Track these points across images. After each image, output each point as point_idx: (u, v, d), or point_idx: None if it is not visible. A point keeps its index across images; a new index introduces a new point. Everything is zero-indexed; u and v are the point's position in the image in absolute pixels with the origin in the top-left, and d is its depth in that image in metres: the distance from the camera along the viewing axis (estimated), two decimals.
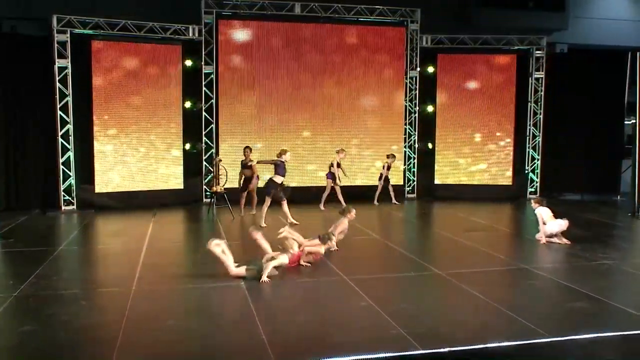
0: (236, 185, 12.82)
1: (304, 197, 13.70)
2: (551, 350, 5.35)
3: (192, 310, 6.45)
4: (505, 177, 15.62)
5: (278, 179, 11.33)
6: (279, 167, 11.32)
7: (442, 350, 5.20)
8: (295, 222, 11.20)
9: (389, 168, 14.53)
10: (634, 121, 13.62)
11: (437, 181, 15.73)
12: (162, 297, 6.78)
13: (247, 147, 12.70)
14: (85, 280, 7.68)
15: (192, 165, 14.37)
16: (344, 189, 13.70)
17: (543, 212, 9.87)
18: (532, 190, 15.75)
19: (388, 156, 14.63)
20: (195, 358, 5.04)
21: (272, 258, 7.48)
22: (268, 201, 11.46)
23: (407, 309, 6.44)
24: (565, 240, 9.65)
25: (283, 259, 7.54)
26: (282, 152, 11.51)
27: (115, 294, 6.86)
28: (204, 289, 7.07)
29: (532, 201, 10.52)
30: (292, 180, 14.58)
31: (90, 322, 5.91)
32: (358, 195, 14.24)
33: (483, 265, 8.37)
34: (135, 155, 13.75)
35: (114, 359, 4.92)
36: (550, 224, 9.78)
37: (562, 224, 9.71)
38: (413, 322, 5.88)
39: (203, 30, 14.00)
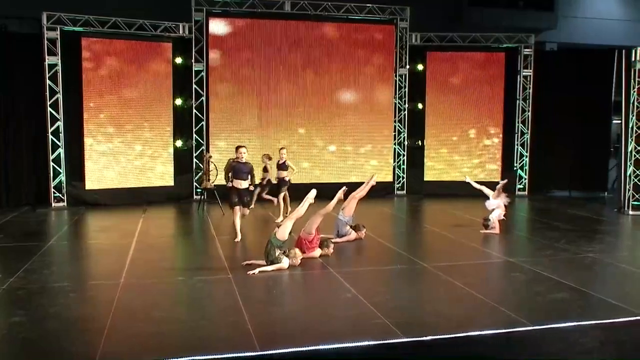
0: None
1: (299, 194, 13.82)
2: (532, 339, 5.46)
3: (180, 301, 6.54)
4: (494, 173, 15.73)
5: (239, 184, 9.48)
6: (236, 171, 9.48)
7: (424, 338, 5.30)
8: (238, 239, 9.37)
9: (265, 170, 12.82)
10: (619, 121, 13.80)
11: (426, 178, 15.84)
12: (150, 290, 6.85)
13: (239, 146, 12.19)
14: (74, 273, 7.72)
15: (183, 162, 14.41)
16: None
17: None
18: (521, 186, 15.88)
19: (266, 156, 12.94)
20: (181, 347, 5.09)
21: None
22: (236, 212, 9.52)
23: (391, 300, 6.55)
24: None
25: (284, 264, 7.59)
26: (237, 152, 9.54)
27: (104, 286, 6.92)
28: (192, 282, 7.15)
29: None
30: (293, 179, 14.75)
31: (79, 314, 5.98)
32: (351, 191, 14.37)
33: (469, 259, 8.50)
34: (125, 152, 13.77)
35: (101, 348, 4.99)
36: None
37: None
38: (397, 312, 5.99)
39: (193, 27, 14.04)
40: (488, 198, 10.73)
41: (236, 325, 5.57)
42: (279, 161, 12.01)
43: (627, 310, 6.00)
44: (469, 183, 11.29)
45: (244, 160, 9.42)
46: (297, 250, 7.86)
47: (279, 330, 5.54)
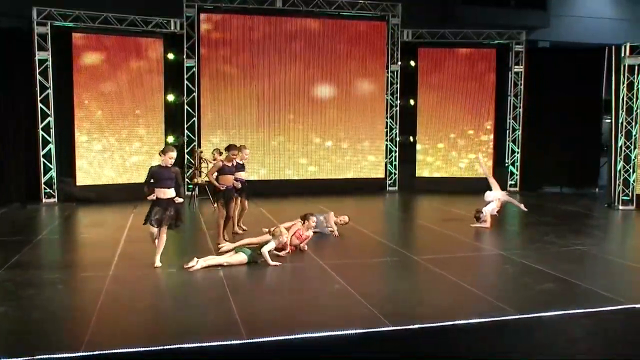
0: None
1: (296, 191, 13.95)
2: (519, 328, 5.48)
3: (168, 293, 6.54)
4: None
5: (162, 193, 7.28)
6: (156, 177, 7.29)
7: (412, 327, 5.31)
8: (158, 264, 7.33)
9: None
10: (609, 120, 13.86)
11: (418, 174, 15.87)
12: (139, 282, 6.84)
13: (215, 149, 12.03)
14: (62, 266, 7.67)
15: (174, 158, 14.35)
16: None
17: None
18: (513, 182, 15.94)
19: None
20: (168, 336, 5.09)
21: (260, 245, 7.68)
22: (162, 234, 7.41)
23: (380, 290, 6.58)
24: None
25: (270, 245, 7.63)
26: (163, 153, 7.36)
27: (92, 278, 6.89)
28: (181, 274, 7.11)
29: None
30: (284, 174, 14.74)
31: (66, 304, 5.98)
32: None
33: (459, 252, 8.52)
34: (116, 148, 13.74)
35: (87, 337, 4.96)
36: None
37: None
38: (385, 303, 6.01)
39: (185, 23, 14.02)
40: (490, 189, 10.75)
41: (224, 314, 5.57)
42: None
43: (614, 300, 6.03)
44: (478, 164, 11.00)
45: (169, 164, 7.30)
46: (282, 228, 7.88)
47: (267, 320, 5.54)
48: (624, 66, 12.87)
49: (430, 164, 15.93)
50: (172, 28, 14.00)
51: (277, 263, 7.45)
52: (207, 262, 7.28)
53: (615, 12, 18.12)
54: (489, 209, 10.45)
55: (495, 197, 10.56)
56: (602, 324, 5.61)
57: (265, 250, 7.49)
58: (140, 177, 13.81)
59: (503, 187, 15.43)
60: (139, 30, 13.72)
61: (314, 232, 8.86)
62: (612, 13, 18.07)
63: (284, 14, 14.62)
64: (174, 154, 7.34)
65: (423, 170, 15.92)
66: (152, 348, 4.76)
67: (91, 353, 4.66)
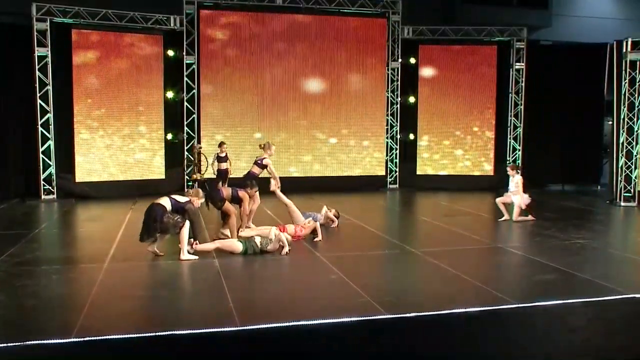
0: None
1: (297, 188, 13.95)
2: (517, 316, 5.41)
3: (163, 283, 6.47)
4: (486, 167, 15.72)
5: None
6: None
7: (408, 315, 5.24)
8: (160, 253, 7.44)
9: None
10: (611, 122, 13.79)
11: (419, 172, 15.80)
12: (134, 272, 6.81)
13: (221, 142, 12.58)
14: (58, 258, 7.62)
15: (174, 155, 14.34)
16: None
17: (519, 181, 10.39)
18: None
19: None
20: (160, 323, 5.04)
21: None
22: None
23: (378, 281, 6.53)
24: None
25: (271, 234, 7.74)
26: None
27: (87, 269, 6.86)
28: (177, 265, 7.07)
29: (508, 168, 10.83)
30: (285, 172, 14.70)
31: (59, 293, 5.95)
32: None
33: (458, 245, 8.45)
34: (116, 145, 13.70)
35: (79, 324, 4.92)
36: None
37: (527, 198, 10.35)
38: (382, 292, 5.95)
39: (184, 20, 13.99)
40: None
41: (218, 303, 5.51)
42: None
43: (614, 290, 5.95)
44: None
45: None
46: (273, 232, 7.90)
47: (260, 308, 5.49)
48: (626, 62, 12.79)
49: (432, 161, 15.83)
50: (172, 25, 13.96)
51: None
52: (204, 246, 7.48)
53: (617, 11, 18.05)
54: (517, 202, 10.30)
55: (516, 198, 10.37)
56: (602, 313, 5.55)
57: (280, 236, 7.55)
58: (139, 174, 13.87)
59: (504, 185, 15.42)
60: (139, 27, 13.68)
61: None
62: (614, 13, 18.00)
63: (284, 11, 14.56)
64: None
65: (424, 168, 15.85)
66: (144, 335, 4.71)
67: (82, 339, 4.61)
